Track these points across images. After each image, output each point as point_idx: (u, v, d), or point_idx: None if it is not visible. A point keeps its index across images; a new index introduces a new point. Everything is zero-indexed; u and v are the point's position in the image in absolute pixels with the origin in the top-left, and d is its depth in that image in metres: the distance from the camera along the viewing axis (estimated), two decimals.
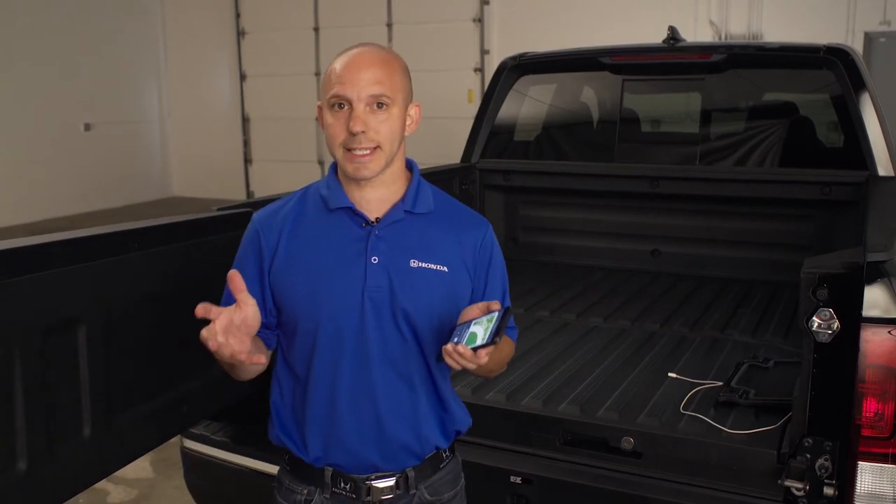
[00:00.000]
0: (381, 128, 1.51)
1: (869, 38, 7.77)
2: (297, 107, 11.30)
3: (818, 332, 1.89)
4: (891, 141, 3.32)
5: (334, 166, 1.61)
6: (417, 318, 1.55)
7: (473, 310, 1.45)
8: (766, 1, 8.86)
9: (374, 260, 1.54)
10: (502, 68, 4.16)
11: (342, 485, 1.60)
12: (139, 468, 3.78)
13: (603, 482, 2.13)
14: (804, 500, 1.91)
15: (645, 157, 3.94)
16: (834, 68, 3.45)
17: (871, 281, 1.78)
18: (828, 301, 1.87)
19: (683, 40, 3.94)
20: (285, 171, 11.30)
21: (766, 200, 3.72)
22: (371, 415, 1.57)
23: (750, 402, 2.28)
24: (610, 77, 4.05)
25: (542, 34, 9.18)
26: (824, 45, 3.56)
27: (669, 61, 3.95)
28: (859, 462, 1.84)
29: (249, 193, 12.01)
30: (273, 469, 1.76)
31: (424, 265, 1.56)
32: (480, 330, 1.39)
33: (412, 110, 1.59)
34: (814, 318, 1.89)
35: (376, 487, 1.60)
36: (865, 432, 1.83)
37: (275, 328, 1.62)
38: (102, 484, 3.35)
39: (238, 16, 11.87)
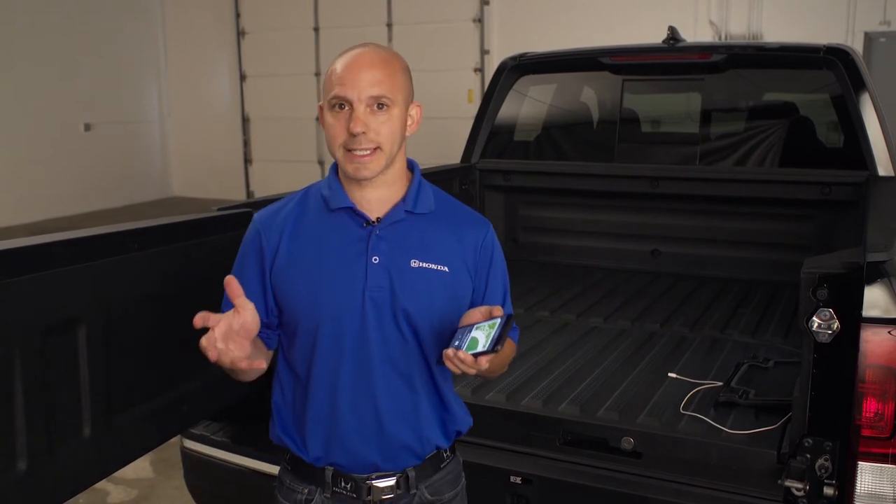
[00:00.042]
0: (381, 129, 1.51)
1: (869, 38, 7.77)
2: (297, 107, 11.30)
3: (818, 332, 1.89)
4: (891, 141, 3.32)
5: (335, 167, 1.61)
6: (418, 319, 1.55)
7: (475, 314, 1.45)
8: (766, 1, 8.86)
9: (375, 260, 1.54)
10: (502, 68, 4.16)
11: (343, 484, 1.61)
12: (139, 468, 3.78)
13: (603, 482, 2.13)
14: (804, 500, 1.91)
15: (645, 157, 3.94)
16: (834, 68, 3.45)
17: (871, 281, 1.78)
18: (828, 301, 1.87)
19: (683, 40, 3.94)
20: (285, 171, 11.30)
21: (766, 200, 3.72)
22: (371, 415, 1.57)
23: (750, 402, 2.28)
24: (610, 77, 4.05)
25: (542, 34, 9.18)
26: (824, 46, 3.56)
27: (669, 61, 3.95)
28: (859, 462, 1.84)
29: (249, 193, 12.01)
30: (273, 469, 1.76)
31: (425, 265, 1.56)
32: (482, 336, 1.39)
33: (413, 111, 1.59)
34: (814, 318, 1.89)
35: (377, 487, 1.60)
36: (865, 432, 1.83)
37: (276, 328, 1.62)
38: (102, 484, 3.34)
39: (238, 16, 11.87)
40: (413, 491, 1.63)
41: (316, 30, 11.28)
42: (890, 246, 1.95)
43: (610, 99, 4.19)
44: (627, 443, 2.14)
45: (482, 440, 2.19)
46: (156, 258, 2.01)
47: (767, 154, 3.82)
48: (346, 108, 1.50)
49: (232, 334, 1.38)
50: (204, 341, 1.37)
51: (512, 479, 2.18)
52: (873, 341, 1.79)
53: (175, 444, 2.53)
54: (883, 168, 3.24)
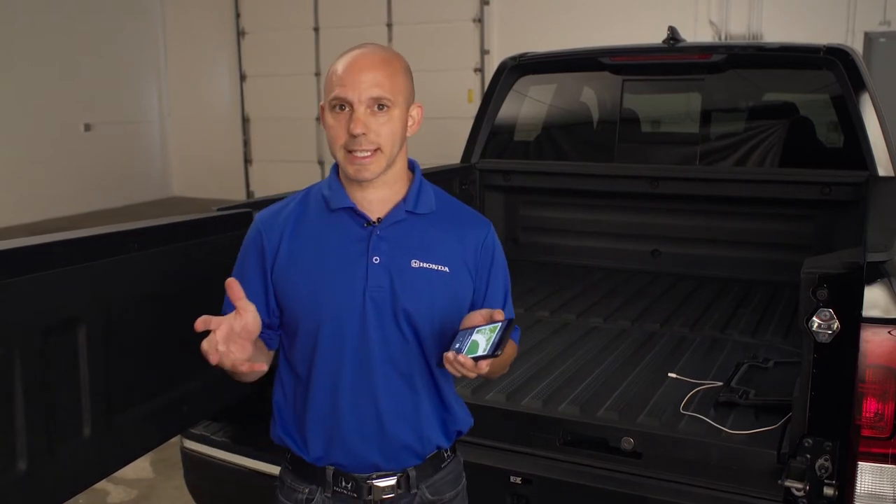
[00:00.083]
0: (381, 130, 1.51)
1: (869, 38, 7.78)
2: (297, 107, 11.31)
3: (818, 333, 1.89)
4: (891, 141, 3.32)
5: (336, 167, 1.61)
6: (418, 319, 1.55)
7: (476, 316, 1.45)
8: (766, 1, 8.86)
9: (376, 260, 1.54)
10: (502, 68, 4.16)
11: (343, 484, 1.61)
12: (139, 468, 3.78)
13: (603, 482, 2.13)
14: (804, 501, 1.91)
15: (645, 157, 3.94)
16: (834, 68, 3.45)
17: (871, 281, 1.78)
18: (828, 301, 1.87)
19: (683, 40, 3.94)
20: (285, 172, 11.30)
21: (766, 200, 3.72)
22: (372, 415, 1.57)
23: (750, 402, 2.28)
24: (610, 77, 4.05)
25: (542, 34, 9.18)
26: (824, 46, 3.56)
27: (669, 61, 3.95)
28: (859, 462, 1.84)
29: (249, 193, 12.01)
30: (272, 469, 1.77)
31: (426, 265, 1.56)
32: (483, 340, 1.39)
33: (414, 111, 1.59)
34: (814, 318, 1.89)
35: (377, 486, 1.60)
36: (865, 432, 1.83)
37: (277, 328, 1.62)
38: (102, 484, 3.34)
39: (238, 16, 11.87)
40: (414, 491, 1.63)
41: (316, 30, 11.29)
42: (890, 246, 1.95)
43: (610, 99, 4.19)
44: (627, 443, 2.14)
45: (482, 440, 2.19)
46: (156, 258, 2.01)
47: (767, 154, 3.82)
48: (347, 109, 1.50)
49: (233, 336, 1.38)
50: (205, 345, 1.37)
51: (512, 479, 2.18)
52: (873, 341, 1.79)
53: (175, 444, 2.53)
54: (883, 168, 3.24)
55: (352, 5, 10.86)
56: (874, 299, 1.78)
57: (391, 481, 1.61)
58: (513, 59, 4.16)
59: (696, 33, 8.76)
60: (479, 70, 10.24)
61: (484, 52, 10.23)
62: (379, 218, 1.58)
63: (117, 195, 11.45)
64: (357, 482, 1.60)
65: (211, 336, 1.37)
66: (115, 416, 1.90)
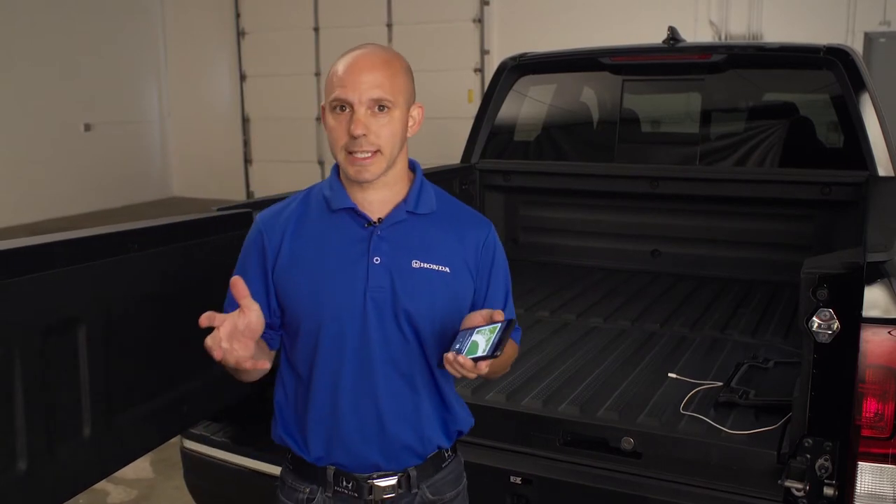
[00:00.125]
0: (381, 131, 1.51)
1: (869, 38, 7.78)
2: (297, 107, 11.31)
3: (818, 333, 1.89)
4: (891, 141, 3.32)
5: (337, 167, 1.61)
6: (419, 319, 1.55)
7: (476, 317, 1.45)
8: (766, 1, 8.86)
9: (377, 260, 1.54)
10: (502, 68, 4.16)
11: (344, 483, 1.61)
12: (139, 468, 3.78)
13: (603, 482, 2.13)
14: (804, 501, 1.91)
15: (645, 157, 3.94)
16: (834, 69, 3.45)
17: (871, 281, 1.78)
18: (828, 301, 1.87)
19: (683, 40, 3.94)
20: (285, 172, 11.31)
21: (766, 201, 3.72)
22: (373, 415, 1.57)
23: (750, 402, 2.28)
24: (610, 77, 4.05)
25: (542, 34, 9.18)
26: (824, 46, 3.56)
27: (669, 61, 3.95)
28: (859, 462, 1.84)
29: (249, 194, 12.01)
30: (272, 469, 1.77)
31: (426, 266, 1.56)
32: (482, 340, 1.39)
33: (414, 111, 1.59)
34: (814, 318, 1.89)
35: (378, 486, 1.60)
36: (865, 432, 1.83)
37: (278, 328, 1.62)
38: (102, 484, 3.34)
39: (238, 16, 11.87)
40: (414, 490, 1.63)
41: (316, 30, 11.29)
42: (890, 246, 1.95)
43: (610, 99, 4.19)
44: (627, 443, 2.14)
45: (482, 440, 2.19)
46: (156, 258, 2.01)
47: (767, 154, 3.82)
48: (347, 110, 1.50)
49: (237, 334, 1.38)
50: (209, 341, 1.38)
51: (512, 479, 2.18)
52: (873, 341, 1.79)
53: (175, 444, 2.53)
54: (883, 168, 3.24)
55: (352, 5, 10.86)
56: (874, 299, 1.78)
57: (392, 481, 1.61)
58: (513, 59, 4.16)
59: (696, 33, 8.76)
60: (479, 70, 10.24)
61: (484, 52, 10.23)
62: (380, 218, 1.58)
63: (117, 195, 11.45)
64: (358, 482, 1.60)
65: (215, 332, 1.37)
66: (115, 416, 1.90)
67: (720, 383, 2.45)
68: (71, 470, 1.81)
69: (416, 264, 1.56)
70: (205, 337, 1.38)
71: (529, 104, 4.29)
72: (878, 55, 7.51)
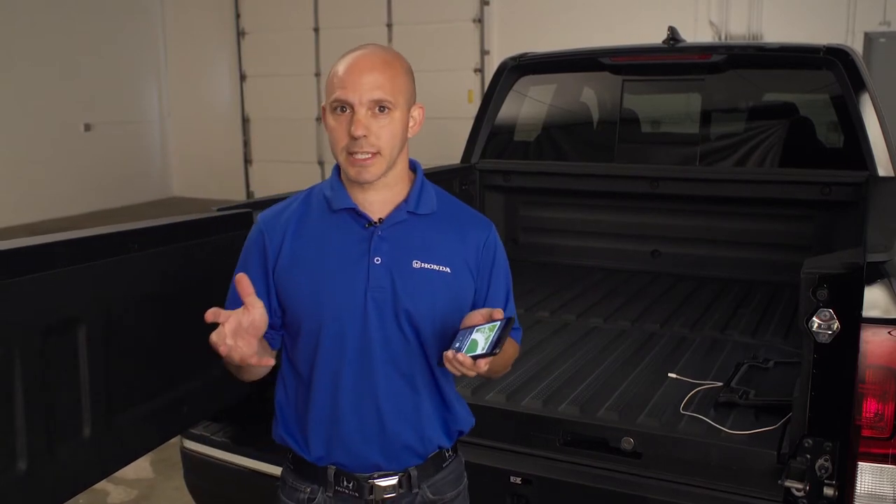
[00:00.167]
0: (382, 132, 1.51)
1: (869, 38, 7.78)
2: (297, 107, 11.31)
3: (818, 333, 1.89)
4: (891, 141, 3.32)
5: (337, 167, 1.61)
6: (420, 319, 1.55)
7: (476, 316, 1.46)
8: (766, 1, 8.86)
9: (377, 260, 1.55)
10: (502, 69, 4.16)
11: (345, 483, 1.61)
12: (139, 468, 3.78)
13: (603, 482, 2.13)
14: (804, 501, 1.91)
15: (645, 157, 3.94)
16: (834, 68, 3.45)
17: (871, 281, 1.78)
18: (828, 301, 1.87)
19: (683, 41, 3.94)
20: (285, 172, 11.31)
21: (766, 201, 3.72)
22: (373, 415, 1.57)
23: (750, 402, 2.28)
24: (610, 77, 4.05)
25: (542, 34, 9.18)
26: (824, 46, 3.56)
27: (669, 62, 3.95)
28: (859, 462, 1.84)
29: (249, 194, 12.01)
30: (272, 469, 1.77)
31: (427, 266, 1.56)
32: (482, 338, 1.40)
33: (415, 112, 1.59)
34: (814, 318, 1.89)
35: (379, 486, 1.60)
36: (865, 433, 1.83)
37: (279, 328, 1.62)
38: (102, 484, 3.34)
39: (238, 16, 11.87)
40: (415, 490, 1.63)
41: (316, 30, 11.29)
42: (890, 246, 1.95)
43: (610, 99, 4.19)
44: (627, 443, 2.14)
45: (482, 440, 2.19)
46: (156, 258, 2.01)
47: (767, 154, 3.82)
48: (348, 111, 1.50)
49: (241, 331, 1.38)
50: (214, 336, 1.38)
51: (512, 479, 2.18)
52: (873, 341, 1.79)
53: (175, 444, 2.53)
54: (883, 168, 3.24)
55: (352, 6, 10.86)
56: (874, 299, 1.78)
57: (392, 481, 1.61)
58: (513, 59, 4.16)
59: (696, 33, 8.76)
60: (479, 70, 10.24)
61: (484, 52, 10.23)
62: (380, 218, 1.58)
63: (117, 195, 11.45)
64: (358, 482, 1.60)
65: (220, 328, 1.38)
66: (115, 416, 1.90)
67: (720, 383, 2.45)
68: (71, 470, 1.81)
69: (416, 264, 1.56)
70: (205, 336, 1.39)
71: (529, 104, 4.29)
72: (878, 55, 7.51)
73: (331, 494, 1.62)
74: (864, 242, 2.00)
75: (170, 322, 2.02)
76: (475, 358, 1.38)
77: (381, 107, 1.50)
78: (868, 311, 1.78)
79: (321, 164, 11.41)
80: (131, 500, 3.63)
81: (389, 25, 10.71)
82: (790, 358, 2.59)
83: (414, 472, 1.62)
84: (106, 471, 1.97)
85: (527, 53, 4.19)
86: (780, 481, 1.93)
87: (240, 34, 11.91)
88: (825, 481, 1.89)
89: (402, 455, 1.61)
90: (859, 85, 3.38)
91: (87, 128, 11.29)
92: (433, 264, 1.56)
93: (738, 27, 9.00)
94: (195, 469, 2.52)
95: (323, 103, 1.57)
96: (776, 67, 3.96)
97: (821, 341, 1.89)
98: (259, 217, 1.66)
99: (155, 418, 2.05)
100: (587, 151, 4.29)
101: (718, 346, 2.88)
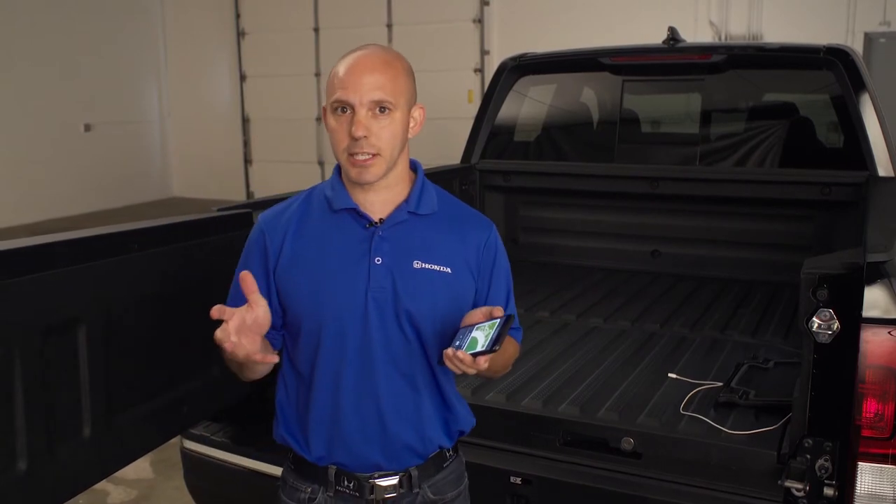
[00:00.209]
0: (382, 133, 1.51)
1: (869, 38, 7.78)
2: (297, 107, 11.31)
3: (818, 333, 1.89)
4: (891, 141, 3.32)
5: (338, 168, 1.61)
6: (420, 319, 1.55)
7: (477, 314, 1.46)
8: (766, 1, 8.86)
9: (378, 261, 1.55)
10: (502, 69, 4.16)
11: (346, 483, 1.61)
12: (139, 468, 3.78)
13: (603, 483, 2.13)
14: (804, 501, 1.91)
15: (645, 157, 3.94)
16: (834, 69, 3.45)
17: (871, 281, 1.78)
18: (828, 301, 1.87)
19: (683, 41, 3.94)
20: (285, 172, 11.31)
21: (766, 201, 3.72)
22: (374, 415, 1.57)
23: (750, 402, 2.28)
24: (610, 77, 4.05)
25: (542, 34, 9.18)
26: (824, 46, 3.56)
27: (669, 62, 3.95)
28: (859, 462, 1.84)
29: (249, 194, 12.01)
30: (272, 469, 1.77)
31: (427, 266, 1.56)
32: (482, 336, 1.40)
33: (416, 112, 1.59)
34: (814, 318, 1.89)
35: (379, 486, 1.60)
36: (865, 433, 1.83)
37: (280, 328, 1.62)
38: (102, 484, 3.34)
39: (238, 16, 11.87)
40: (416, 490, 1.63)
41: (316, 30, 11.29)
42: (890, 246, 1.95)
43: (610, 99, 4.19)
44: (627, 443, 2.14)
45: (482, 440, 2.19)
46: (156, 258, 2.01)
47: (767, 154, 3.82)
48: (349, 111, 1.50)
49: (244, 329, 1.39)
50: (219, 333, 1.39)
51: (512, 479, 2.18)
52: (873, 341, 1.79)
53: (175, 445, 2.53)
54: (883, 168, 3.24)
55: (352, 6, 10.86)
56: (874, 299, 1.78)
57: (393, 481, 1.61)
58: (513, 59, 4.17)
59: (696, 33, 8.76)
60: (479, 70, 10.24)
61: (484, 52, 10.23)
62: (381, 219, 1.58)
63: (117, 195, 11.45)
64: (359, 481, 1.60)
65: (224, 325, 1.38)
66: (115, 416, 1.90)
67: (720, 383, 2.45)
68: (71, 470, 1.81)
69: (417, 265, 1.56)
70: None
71: (529, 104, 4.29)
72: (878, 55, 7.51)
73: (331, 494, 1.62)
74: (864, 242, 2.00)
75: (170, 322, 2.02)
76: (475, 355, 1.38)
77: (381, 107, 1.50)
78: (868, 311, 1.78)
79: (321, 164, 11.41)
80: (131, 500, 3.63)
81: (389, 26, 10.71)
82: (790, 358, 2.59)
83: (415, 472, 1.62)
84: (106, 471, 1.97)
85: (527, 54, 4.19)
86: (780, 481, 1.93)
87: (240, 34, 11.91)
88: (825, 481, 1.89)
89: (403, 455, 1.61)
90: (859, 85, 3.38)
91: (87, 128, 11.29)
92: (434, 264, 1.56)
93: (738, 27, 9.00)
94: (195, 469, 2.52)
95: (324, 104, 1.57)
96: (776, 67, 3.96)
97: (821, 341, 1.89)
98: (260, 217, 1.66)
99: (155, 418, 2.05)
100: (587, 152, 4.29)
101: (718, 346, 2.88)
